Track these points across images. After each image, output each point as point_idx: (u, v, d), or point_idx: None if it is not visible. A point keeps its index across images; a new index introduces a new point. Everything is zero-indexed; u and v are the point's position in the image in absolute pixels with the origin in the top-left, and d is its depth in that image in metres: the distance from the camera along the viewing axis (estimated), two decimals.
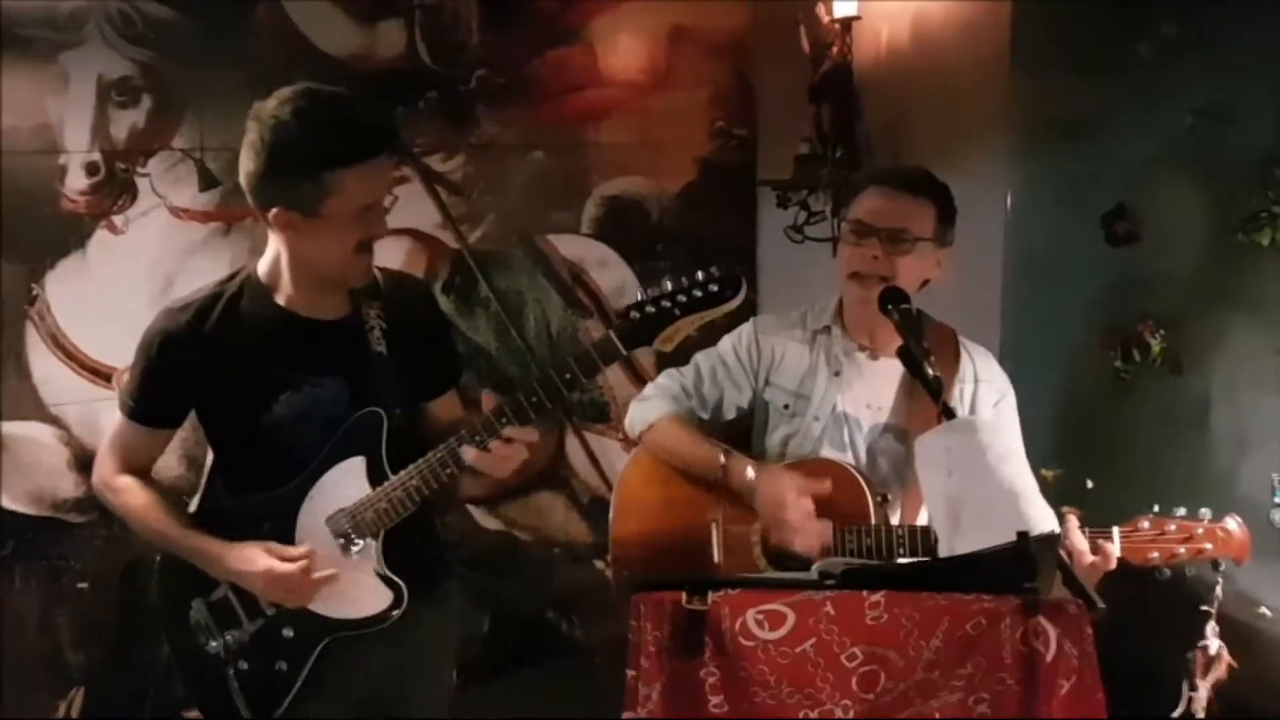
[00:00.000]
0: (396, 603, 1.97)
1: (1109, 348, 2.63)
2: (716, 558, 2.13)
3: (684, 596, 1.49)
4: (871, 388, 2.15)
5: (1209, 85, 2.40)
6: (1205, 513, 1.88)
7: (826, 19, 3.24)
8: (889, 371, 2.13)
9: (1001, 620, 1.42)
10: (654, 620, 1.50)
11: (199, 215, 3.08)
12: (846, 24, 3.22)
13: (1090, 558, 1.87)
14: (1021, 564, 1.42)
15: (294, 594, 1.94)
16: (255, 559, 1.93)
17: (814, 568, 1.54)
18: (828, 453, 2.13)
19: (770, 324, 2.27)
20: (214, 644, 1.99)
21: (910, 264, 2.07)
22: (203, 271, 2.88)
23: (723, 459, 2.12)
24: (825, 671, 1.46)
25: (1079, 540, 1.88)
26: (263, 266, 2.00)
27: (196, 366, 1.97)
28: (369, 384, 1.98)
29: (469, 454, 1.89)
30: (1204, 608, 1.96)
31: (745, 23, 3.57)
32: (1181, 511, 1.90)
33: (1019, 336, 2.80)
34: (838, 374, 2.15)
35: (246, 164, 1.87)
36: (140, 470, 2.06)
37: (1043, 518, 1.77)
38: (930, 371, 1.87)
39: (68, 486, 2.99)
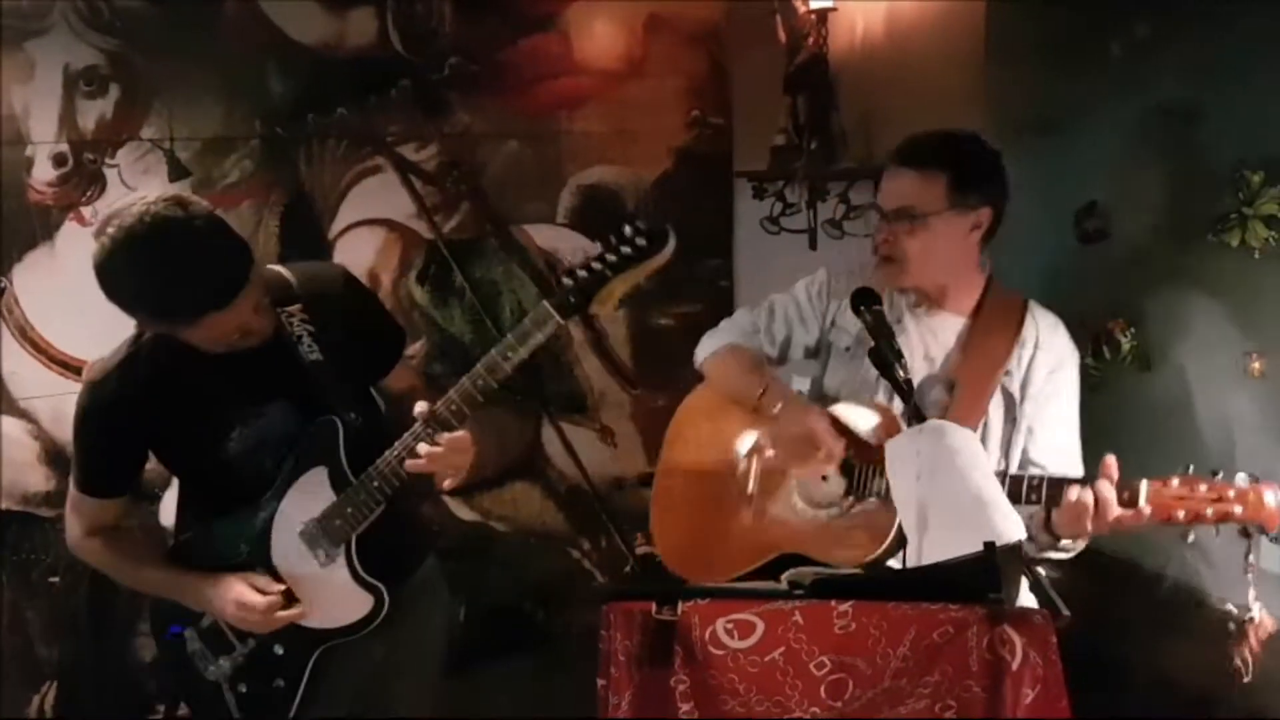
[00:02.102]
0: (378, 606, 1.97)
1: (1080, 345, 2.64)
2: (750, 489, 2.14)
3: (654, 606, 1.50)
4: (927, 339, 2.13)
5: (1181, 85, 2.40)
6: (1242, 477, 1.75)
7: (803, 10, 3.23)
8: (947, 325, 2.12)
9: (968, 629, 1.43)
10: (624, 629, 1.51)
11: None
12: (823, 15, 3.21)
13: (1117, 510, 1.78)
14: (988, 573, 1.44)
15: (260, 624, 1.96)
16: (231, 586, 1.95)
17: (783, 577, 1.56)
18: (880, 399, 2.11)
19: (843, 269, 2.27)
20: (212, 669, 2.01)
21: (929, 240, 2.03)
22: None
23: (764, 385, 2.13)
24: (794, 680, 1.48)
25: (1106, 490, 1.79)
26: None
27: (136, 432, 1.95)
28: (313, 395, 1.95)
29: (422, 450, 1.87)
30: (1246, 574, 1.84)
31: (721, 12, 3.54)
32: (1219, 475, 1.77)
33: None
34: (898, 321, 2.13)
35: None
36: (108, 529, 2.06)
37: (1011, 525, 1.77)
38: (901, 374, 1.87)
39: (38, 480, 2.96)
